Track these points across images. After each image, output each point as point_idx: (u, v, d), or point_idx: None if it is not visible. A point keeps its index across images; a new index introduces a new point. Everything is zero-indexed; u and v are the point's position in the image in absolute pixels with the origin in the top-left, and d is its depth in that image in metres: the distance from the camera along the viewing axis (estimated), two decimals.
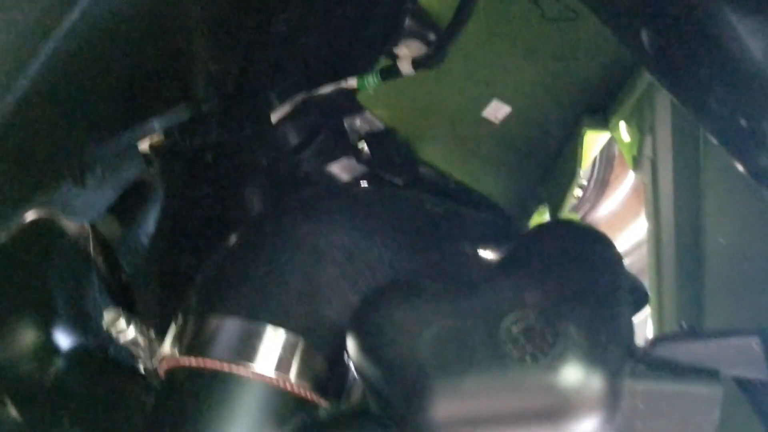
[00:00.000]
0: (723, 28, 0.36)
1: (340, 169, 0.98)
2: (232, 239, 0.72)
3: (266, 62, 0.84)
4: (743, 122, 0.36)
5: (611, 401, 0.54)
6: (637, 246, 1.25)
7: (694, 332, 0.57)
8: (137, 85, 0.74)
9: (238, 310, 0.65)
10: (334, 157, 0.95)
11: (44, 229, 0.79)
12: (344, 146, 0.95)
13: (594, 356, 0.54)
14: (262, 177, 0.98)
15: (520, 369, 0.54)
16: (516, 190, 0.95)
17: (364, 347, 0.60)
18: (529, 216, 0.95)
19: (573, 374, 0.53)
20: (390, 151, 0.93)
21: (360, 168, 0.96)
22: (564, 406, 0.53)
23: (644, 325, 0.88)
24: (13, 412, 0.72)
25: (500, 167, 0.95)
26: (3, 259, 0.75)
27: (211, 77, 0.82)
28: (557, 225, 0.64)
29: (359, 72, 0.78)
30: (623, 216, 1.29)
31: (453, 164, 0.96)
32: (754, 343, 0.53)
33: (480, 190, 0.98)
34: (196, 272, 1.01)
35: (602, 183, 1.30)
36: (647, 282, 0.81)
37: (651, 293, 0.79)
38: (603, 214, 1.30)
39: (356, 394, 0.69)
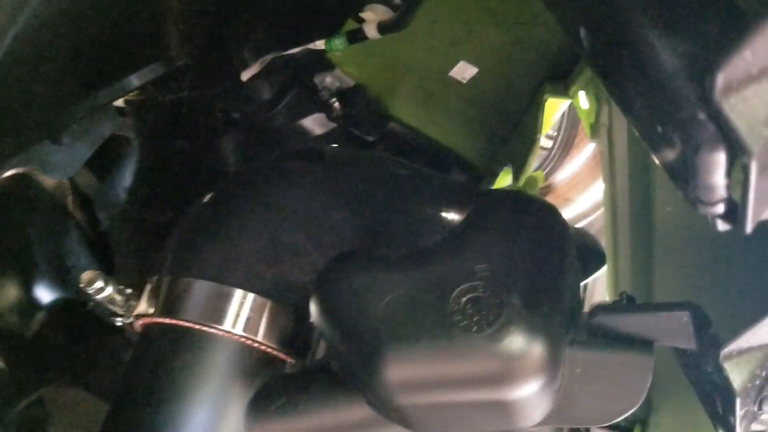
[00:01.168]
0: (640, 38, 0.38)
1: (311, 124, 1.00)
2: (202, 202, 0.74)
3: (236, 22, 0.85)
4: (659, 128, 0.39)
5: (551, 368, 0.58)
6: (598, 206, 1.29)
7: (631, 304, 0.61)
8: (113, 45, 0.75)
9: (207, 273, 0.69)
10: (305, 113, 0.97)
11: (22, 185, 0.82)
12: (315, 102, 0.97)
13: (536, 326, 0.58)
14: (235, 131, 1.00)
15: (466, 338, 0.58)
16: (482, 146, 0.98)
17: (325, 312, 0.64)
18: (495, 174, 0.98)
19: (516, 343, 0.57)
20: (360, 108, 0.95)
21: (331, 124, 0.98)
22: (507, 373, 0.57)
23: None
24: None
25: (467, 123, 0.97)
26: None
27: (183, 36, 0.83)
28: (508, 196, 0.67)
29: (325, 34, 0.79)
30: (585, 177, 1.31)
31: (421, 120, 0.98)
32: (685, 317, 0.57)
33: (447, 145, 1.00)
34: (172, 223, 1.04)
35: (566, 144, 1.33)
36: (604, 243, 0.85)
37: (608, 253, 0.83)
38: (566, 174, 1.32)
39: (321, 350, 0.73)
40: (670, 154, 0.39)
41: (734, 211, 0.40)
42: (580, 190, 1.29)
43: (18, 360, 0.76)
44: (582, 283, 0.79)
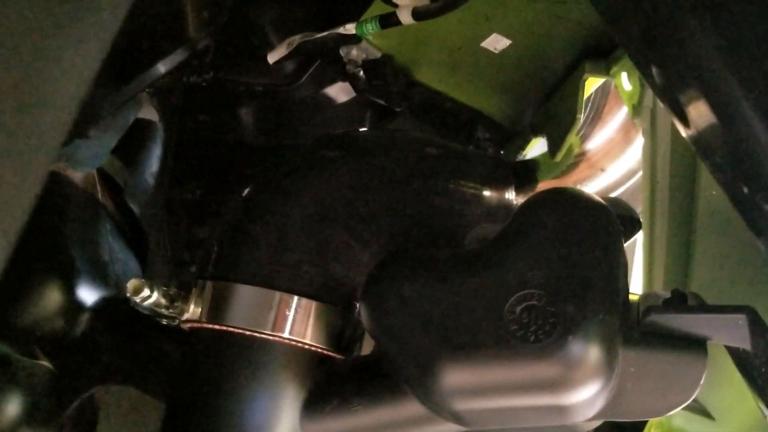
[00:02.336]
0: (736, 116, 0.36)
1: (336, 92, 0.98)
2: (239, 200, 0.73)
3: (258, 3, 0.81)
4: (744, 189, 0.38)
5: (608, 372, 0.59)
6: (631, 175, 1.27)
7: (684, 304, 0.61)
8: (137, 34, 0.73)
9: (250, 277, 0.69)
10: (330, 84, 0.94)
11: (52, 183, 0.80)
12: (341, 73, 0.94)
13: (593, 334, 0.58)
14: (259, 103, 0.98)
15: (523, 348, 0.58)
16: (511, 110, 0.95)
17: (376, 323, 0.64)
18: (524, 141, 0.96)
19: (573, 352, 0.57)
20: (387, 77, 0.92)
21: (356, 94, 0.95)
22: (565, 381, 0.58)
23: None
24: (46, 364, 0.76)
25: (497, 89, 0.94)
26: None
27: (205, 19, 0.80)
28: (557, 195, 0.66)
29: (354, 17, 0.76)
30: (617, 145, 1.29)
31: (449, 85, 0.95)
32: (741, 320, 0.57)
33: (475, 107, 0.98)
34: (202, 201, 1.03)
35: (598, 111, 1.29)
36: (641, 215, 0.84)
37: (644, 231, 0.82)
38: (598, 142, 1.29)
39: (370, 344, 0.74)
40: (755, 214, 0.37)
41: None
42: (613, 158, 1.27)
43: (66, 361, 0.76)
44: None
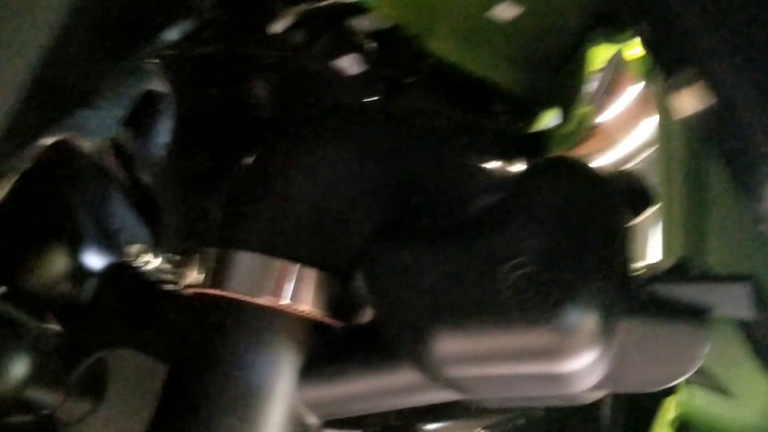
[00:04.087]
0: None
1: (347, 64, 0.97)
2: (243, 169, 0.74)
3: None
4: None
5: (606, 341, 0.58)
6: (645, 148, 1.23)
7: (687, 274, 0.60)
8: (142, 3, 0.73)
9: (251, 245, 0.69)
10: (340, 56, 0.93)
11: (63, 152, 0.81)
12: (350, 45, 0.93)
13: (590, 301, 0.57)
14: (268, 75, 0.97)
15: (519, 315, 0.57)
16: (525, 80, 0.94)
17: (372, 287, 0.64)
18: (538, 111, 0.94)
19: (569, 319, 0.56)
20: (397, 47, 0.92)
21: (367, 66, 0.94)
22: (561, 349, 0.57)
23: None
24: (54, 327, 0.78)
25: (509, 59, 0.92)
26: (29, 186, 0.78)
27: None
28: (556, 165, 0.65)
29: None
30: (632, 117, 1.25)
31: (461, 56, 0.93)
32: (744, 289, 0.55)
33: (488, 78, 0.96)
34: (212, 173, 1.03)
35: (613, 83, 1.26)
36: (655, 185, 0.82)
37: (661, 203, 0.80)
38: (612, 114, 1.26)
39: (369, 312, 0.74)
40: (733, 165, 0.36)
41: None
42: (627, 130, 1.24)
43: (74, 325, 0.78)
44: (631, 224, 0.78)
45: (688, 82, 0.47)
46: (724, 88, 0.39)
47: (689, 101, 0.48)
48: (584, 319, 0.56)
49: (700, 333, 0.59)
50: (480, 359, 0.59)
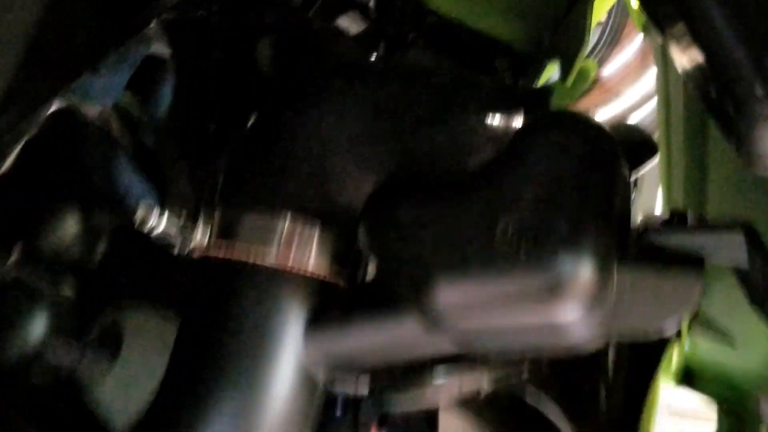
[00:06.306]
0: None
1: (348, 22, 0.97)
2: (246, 129, 0.74)
3: None
4: (713, 93, 0.37)
5: (601, 290, 0.58)
6: (647, 99, 1.22)
7: (683, 223, 0.60)
8: None
9: (255, 204, 0.70)
10: (341, 13, 0.93)
11: (68, 117, 0.82)
12: (351, 2, 0.93)
13: (584, 250, 0.57)
14: (269, 35, 0.98)
15: (514, 266, 0.58)
16: (526, 35, 0.93)
17: (373, 241, 0.65)
18: (541, 66, 0.94)
19: (564, 268, 0.57)
20: (398, 5, 0.91)
21: (367, 23, 0.94)
22: (556, 298, 0.58)
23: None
24: (68, 291, 0.80)
25: (511, 13, 0.92)
26: (36, 152, 0.79)
27: None
28: (555, 118, 0.65)
29: None
30: (635, 69, 1.24)
31: (462, 11, 0.93)
32: (739, 237, 0.56)
33: (491, 34, 0.96)
34: (217, 135, 1.04)
35: (616, 33, 1.24)
36: (657, 138, 0.83)
37: (661, 156, 0.81)
38: (615, 66, 1.25)
39: (371, 269, 0.75)
40: (723, 118, 0.37)
41: None
42: (630, 82, 1.23)
43: (85, 288, 0.80)
44: (634, 177, 0.78)
45: (680, 36, 0.47)
46: (712, 40, 0.39)
47: (682, 55, 0.48)
48: (579, 267, 0.57)
49: (695, 282, 0.59)
50: (480, 308, 0.61)
